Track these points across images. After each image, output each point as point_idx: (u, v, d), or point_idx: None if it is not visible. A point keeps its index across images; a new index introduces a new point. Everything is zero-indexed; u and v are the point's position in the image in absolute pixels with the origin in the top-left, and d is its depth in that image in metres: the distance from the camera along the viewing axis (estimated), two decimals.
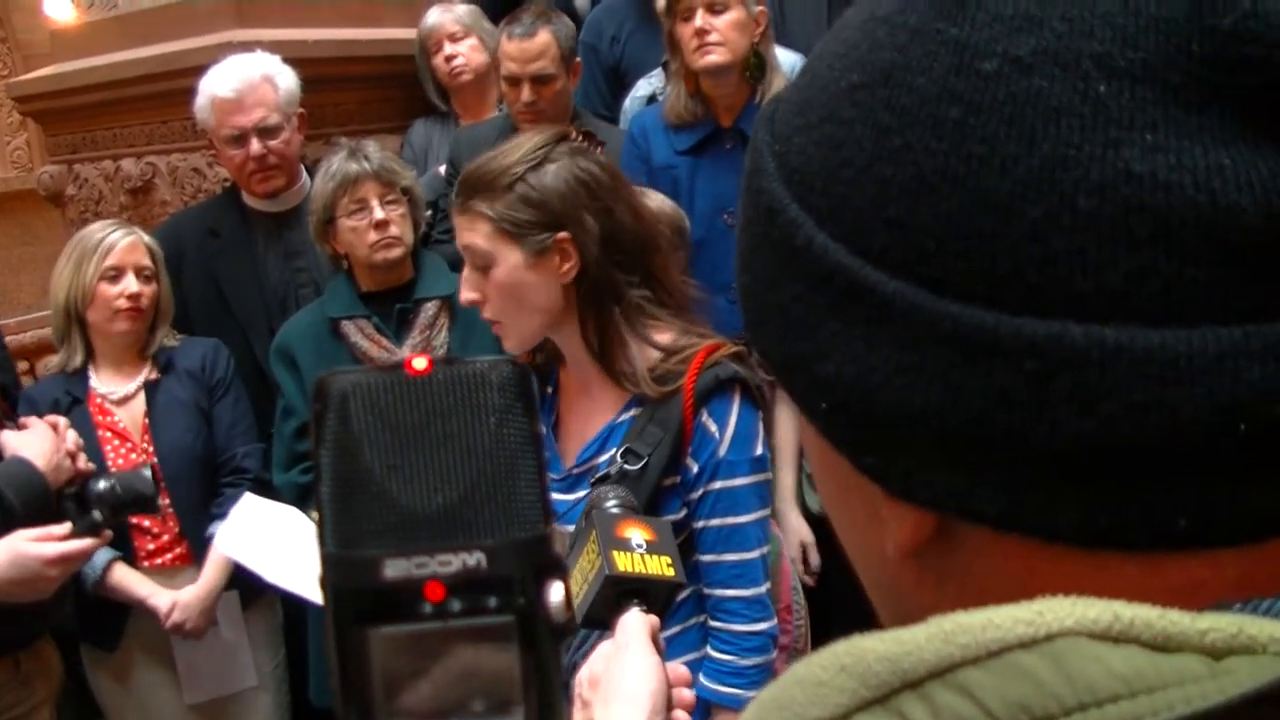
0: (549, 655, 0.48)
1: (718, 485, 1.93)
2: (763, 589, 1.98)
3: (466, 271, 1.98)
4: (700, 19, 3.10)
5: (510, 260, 1.90)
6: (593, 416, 2.02)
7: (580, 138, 1.99)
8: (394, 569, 0.46)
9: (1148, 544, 0.46)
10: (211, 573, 2.92)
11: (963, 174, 0.46)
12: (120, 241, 2.94)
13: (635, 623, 1.27)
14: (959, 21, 0.48)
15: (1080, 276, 0.44)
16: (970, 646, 0.44)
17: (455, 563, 0.47)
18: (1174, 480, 0.45)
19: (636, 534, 1.36)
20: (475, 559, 0.47)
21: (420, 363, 0.49)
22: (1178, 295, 0.44)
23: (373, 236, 2.84)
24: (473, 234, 1.93)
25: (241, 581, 2.97)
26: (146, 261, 2.98)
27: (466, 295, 1.98)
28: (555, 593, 0.48)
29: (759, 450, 1.97)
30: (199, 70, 3.33)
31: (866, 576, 0.61)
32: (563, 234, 1.89)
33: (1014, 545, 0.49)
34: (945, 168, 0.47)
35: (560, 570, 0.49)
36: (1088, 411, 0.45)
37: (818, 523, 3.09)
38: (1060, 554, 0.48)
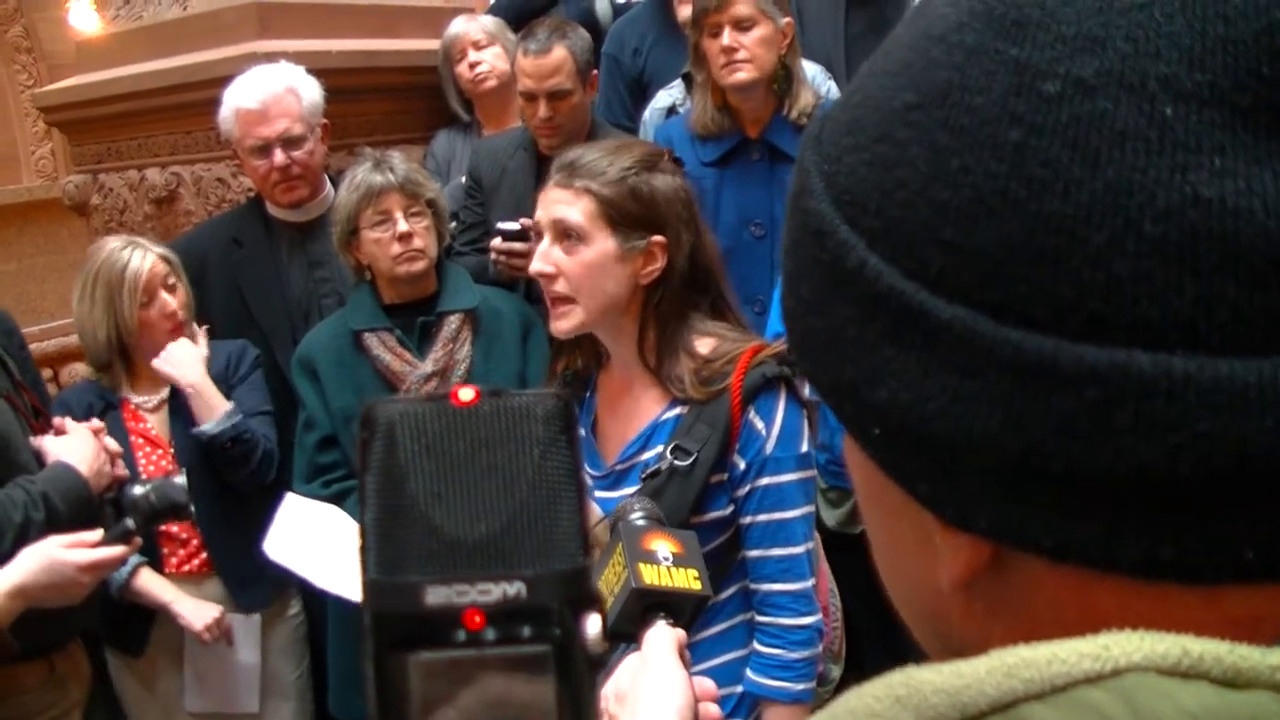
0: (584, 687, 0.48)
1: (765, 481, 1.97)
2: (809, 583, 2.02)
3: (544, 245, 2.00)
4: (728, 37, 3.10)
5: (604, 245, 1.96)
6: (634, 415, 2.06)
7: (672, 161, 2.05)
8: (435, 596, 0.47)
9: (1211, 576, 0.45)
10: None
11: (1023, 197, 0.46)
12: (144, 267, 2.91)
13: (662, 637, 1.26)
14: (1019, 41, 0.47)
15: (1146, 303, 0.44)
16: (1034, 681, 0.43)
17: (496, 592, 0.47)
18: (1241, 512, 0.44)
19: (663, 546, 1.35)
20: (516, 588, 0.47)
21: (467, 393, 0.49)
22: (1247, 323, 0.43)
23: (396, 249, 2.83)
24: (572, 209, 1.97)
25: (253, 593, 2.98)
26: (164, 269, 2.98)
27: (538, 266, 2.01)
28: (592, 625, 0.49)
29: (804, 447, 2.01)
30: (223, 81, 3.34)
31: (909, 605, 0.60)
32: (658, 237, 1.95)
33: (1071, 576, 0.48)
34: (1005, 190, 0.46)
35: (597, 602, 0.49)
36: (1153, 442, 0.44)
37: (832, 538, 3.09)
38: (1119, 585, 0.47)
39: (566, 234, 1.97)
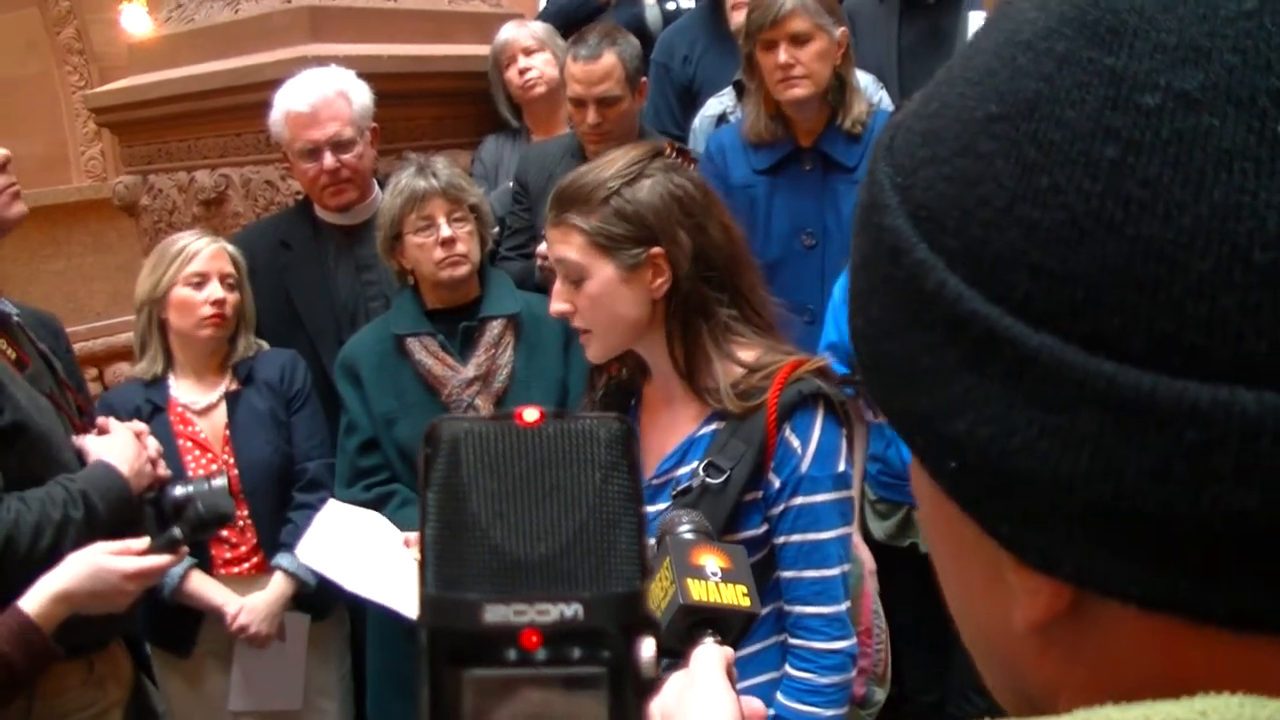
0: (636, 709, 0.48)
1: (799, 501, 1.93)
2: (842, 607, 1.97)
3: (558, 284, 2.00)
4: (784, 53, 3.09)
5: (603, 274, 1.93)
6: (673, 429, 2.03)
7: (674, 154, 1.99)
8: (493, 614, 0.47)
9: None
10: (280, 581, 2.95)
11: (1120, 220, 0.42)
12: (205, 249, 2.98)
13: (710, 656, 1.23)
14: (1115, 50, 0.44)
15: (1253, 337, 0.40)
16: None
17: (553, 612, 0.47)
18: None
19: (711, 561, 1.32)
20: (573, 610, 0.47)
21: (531, 414, 0.50)
22: None
23: (439, 254, 2.83)
24: (566, 247, 1.95)
25: (311, 598, 3.00)
26: (230, 269, 3.02)
27: (556, 307, 2.00)
28: (646, 648, 0.48)
29: (841, 466, 1.96)
30: (274, 84, 3.37)
31: (978, 643, 0.57)
32: (656, 249, 1.91)
33: (1159, 625, 0.45)
34: (1100, 211, 0.43)
35: (653, 627, 0.49)
36: (1254, 488, 0.40)
37: (880, 551, 3.06)
38: (1211, 637, 0.44)
39: (570, 271, 1.95)
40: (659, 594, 1.31)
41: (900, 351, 0.50)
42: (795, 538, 1.94)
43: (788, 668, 1.97)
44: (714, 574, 1.31)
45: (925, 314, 0.48)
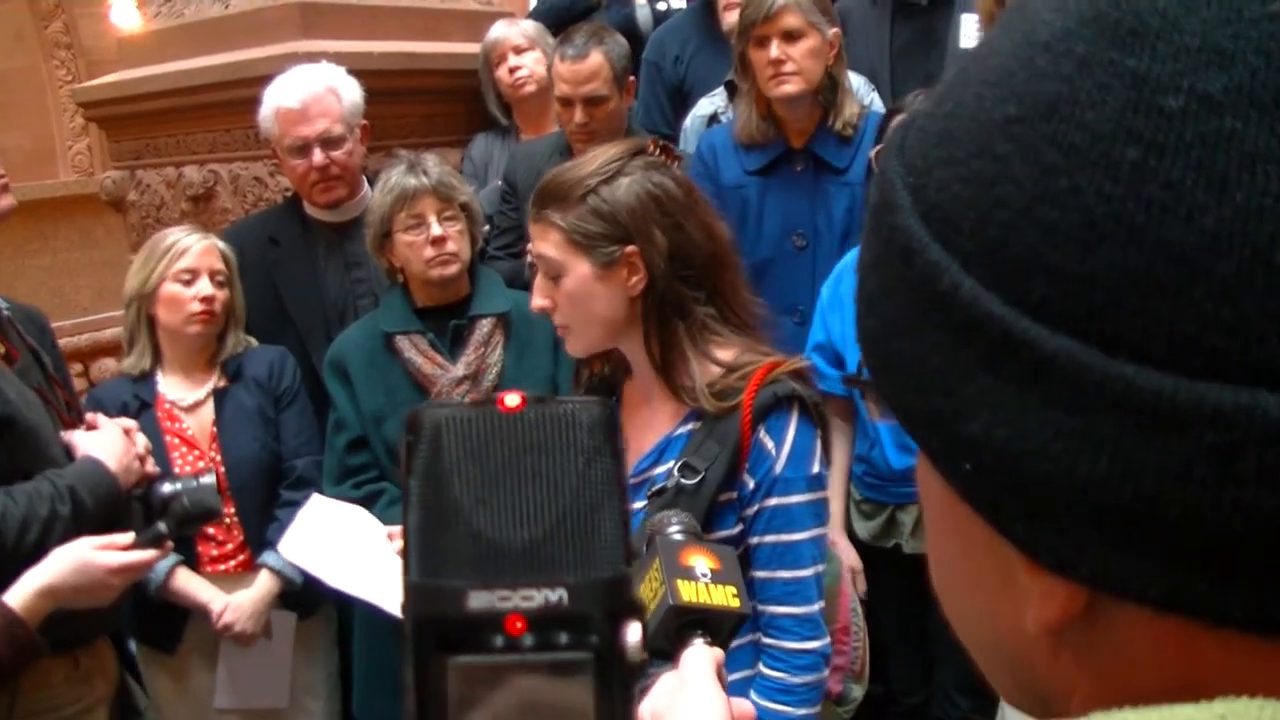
0: (623, 694, 0.48)
1: (773, 502, 1.94)
2: (815, 607, 1.98)
3: (539, 280, 2.02)
4: (776, 49, 3.09)
5: (579, 270, 1.94)
6: (651, 428, 2.03)
7: (657, 151, 1.99)
8: (478, 600, 0.47)
9: None
10: (266, 579, 2.94)
11: (1141, 222, 0.42)
12: (195, 245, 2.97)
13: (700, 658, 1.23)
14: (1137, 52, 0.43)
15: (1275, 340, 0.40)
16: None
17: (538, 598, 0.47)
18: None
19: (701, 562, 1.32)
20: (557, 595, 0.47)
21: (513, 399, 0.50)
22: None
23: (429, 253, 2.83)
24: (545, 243, 1.96)
25: (298, 596, 2.99)
26: (220, 266, 3.01)
27: (537, 302, 2.02)
28: (632, 633, 0.48)
29: (815, 468, 1.97)
30: (264, 80, 3.36)
31: (982, 643, 0.56)
32: (630, 247, 1.92)
33: (1175, 628, 0.44)
34: (1121, 214, 0.42)
35: (637, 611, 0.49)
36: (1277, 492, 0.40)
37: (862, 551, 3.07)
38: (1230, 641, 0.43)
39: (549, 267, 1.97)
40: (649, 595, 1.30)
41: (912, 352, 0.50)
42: (769, 538, 1.95)
43: (761, 666, 1.98)
44: (704, 575, 1.30)
45: (938, 314, 0.48)
